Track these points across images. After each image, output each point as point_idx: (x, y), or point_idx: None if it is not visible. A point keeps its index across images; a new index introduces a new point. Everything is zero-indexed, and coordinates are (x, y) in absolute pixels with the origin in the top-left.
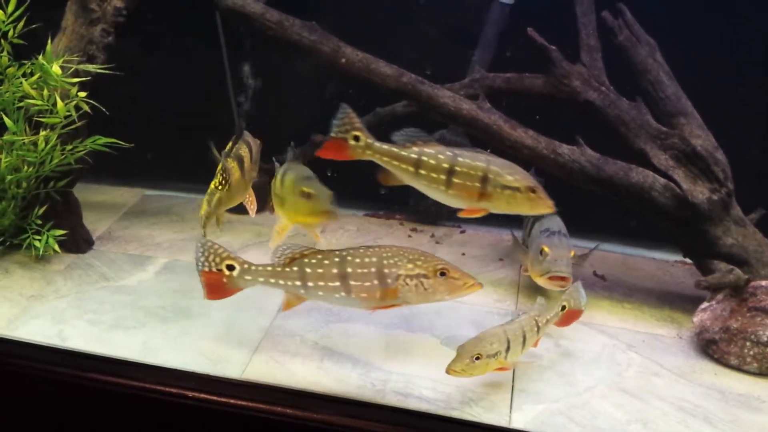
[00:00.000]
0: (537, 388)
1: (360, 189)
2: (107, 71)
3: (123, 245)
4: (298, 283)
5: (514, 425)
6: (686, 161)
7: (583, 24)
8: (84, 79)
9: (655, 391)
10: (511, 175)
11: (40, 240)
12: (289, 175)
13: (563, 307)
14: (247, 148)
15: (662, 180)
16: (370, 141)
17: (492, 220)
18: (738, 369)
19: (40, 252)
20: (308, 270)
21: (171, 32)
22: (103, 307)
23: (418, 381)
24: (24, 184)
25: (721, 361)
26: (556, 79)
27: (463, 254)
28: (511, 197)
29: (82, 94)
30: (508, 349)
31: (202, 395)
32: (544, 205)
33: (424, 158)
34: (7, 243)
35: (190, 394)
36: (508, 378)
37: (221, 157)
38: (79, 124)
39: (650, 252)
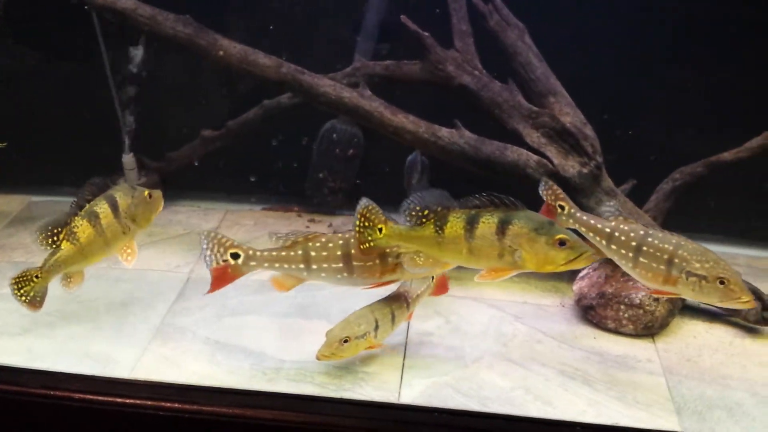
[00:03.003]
0: (426, 363)
1: (257, 183)
2: None
3: (8, 253)
4: (302, 266)
5: (403, 400)
6: (557, 138)
7: (455, 10)
8: None
9: (539, 358)
10: (700, 261)
11: None
12: (521, 221)
13: (432, 278)
14: (108, 202)
15: (535, 157)
16: (573, 210)
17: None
18: (615, 332)
19: None
20: (312, 253)
21: (52, 31)
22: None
23: (311, 366)
24: None
25: (600, 325)
26: (432, 65)
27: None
28: (698, 285)
29: None
30: (377, 327)
31: (89, 396)
32: (736, 299)
33: (616, 234)
34: None
35: (77, 395)
36: (400, 356)
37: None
38: None
39: None
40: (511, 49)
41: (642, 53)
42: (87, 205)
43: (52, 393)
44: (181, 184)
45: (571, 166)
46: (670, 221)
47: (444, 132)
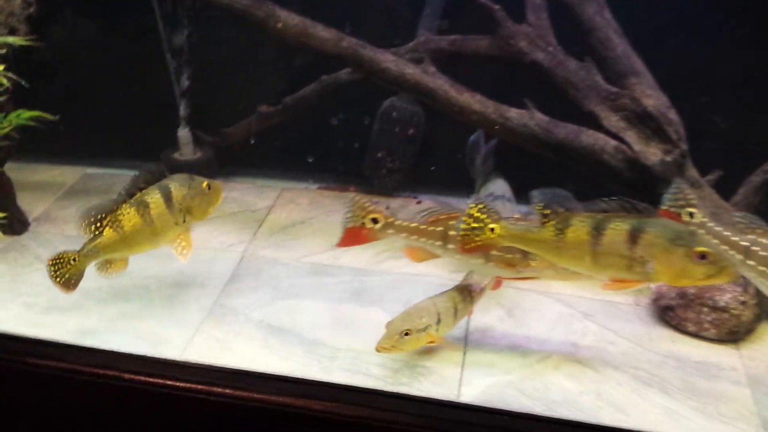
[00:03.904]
0: (488, 360)
1: (314, 161)
2: (30, 43)
3: (61, 226)
4: (439, 242)
5: (463, 399)
6: (638, 122)
7: None
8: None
9: (611, 360)
10: None
11: None
12: (656, 230)
13: None
14: (162, 192)
15: (613, 142)
16: (705, 219)
17: (451, 188)
18: (696, 335)
19: None
20: (452, 232)
21: (109, 3)
22: (38, 290)
23: (367, 357)
24: None
25: (679, 327)
26: (502, 40)
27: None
28: None
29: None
30: (439, 321)
31: (139, 377)
32: None
33: (754, 248)
34: None
35: (126, 375)
36: (460, 351)
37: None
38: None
39: None
40: (588, 24)
41: (723, 36)
42: (138, 194)
43: (101, 372)
44: (236, 160)
45: (652, 154)
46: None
47: (513, 113)
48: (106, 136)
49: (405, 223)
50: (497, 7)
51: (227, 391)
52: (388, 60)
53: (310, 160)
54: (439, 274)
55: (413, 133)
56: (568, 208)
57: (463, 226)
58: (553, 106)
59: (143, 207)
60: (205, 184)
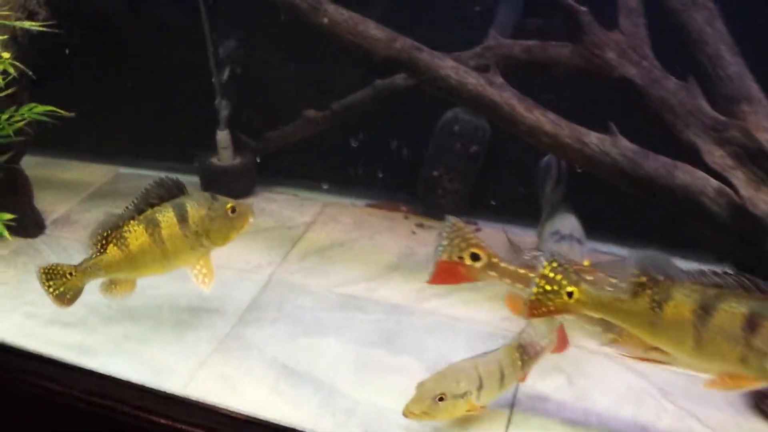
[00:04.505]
0: None
1: (362, 174)
2: (48, 29)
3: (79, 231)
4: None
5: None
6: (748, 161)
7: None
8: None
9: None
10: None
11: None
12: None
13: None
14: (176, 210)
15: (715, 183)
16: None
17: (514, 216)
18: None
19: None
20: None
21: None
22: (43, 300)
23: (391, 416)
24: None
25: None
26: (587, 49)
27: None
28: None
29: (6, 55)
30: (480, 387)
31: (137, 411)
32: None
33: None
34: None
35: (124, 408)
36: (501, 422)
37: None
38: (8, 91)
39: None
40: (695, 35)
41: None
42: (149, 210)
43: (96, 400)
44: (278, 168)
45: (764, 201)
46: None
47: (593, 138)
48: (142, 135)
49: (512, 268)
50: (583, 9)
51: None
52: (447, 66)
53: (357, 171)
54: (488, 320)
55: (476, 151)
56: (670, 277)
57: (535, 290)
58: (643, 133)
59: (153, 225)
60: (229, 206)
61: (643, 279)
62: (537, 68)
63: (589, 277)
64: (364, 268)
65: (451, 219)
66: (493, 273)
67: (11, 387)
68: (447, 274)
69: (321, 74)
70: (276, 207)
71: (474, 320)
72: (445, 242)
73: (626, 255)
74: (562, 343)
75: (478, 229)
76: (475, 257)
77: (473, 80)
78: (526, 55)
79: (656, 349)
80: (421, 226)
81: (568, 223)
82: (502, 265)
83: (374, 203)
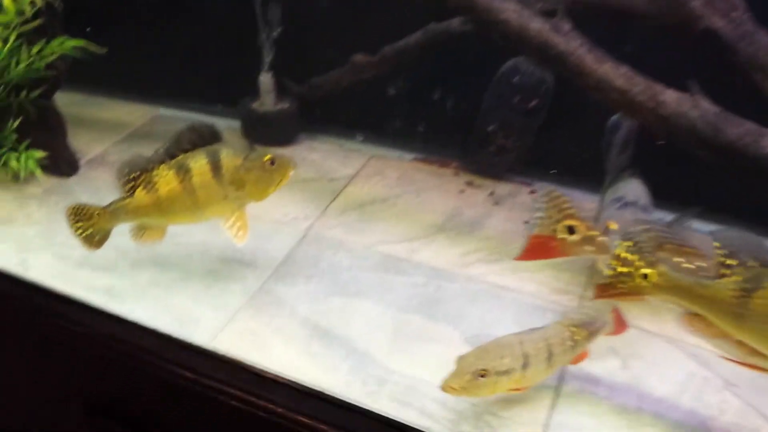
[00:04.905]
0: (582, 423)
1: (412, 126)
2: None
3: (112, 172)
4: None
5: None
6: None
7: None
8: None
9: None
10: None
11: (18, 159)
12: None
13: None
14: (209, 158)
15: None
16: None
17: (574, 178)
18: None
19: (22, 175)
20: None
21: None
22: (73, 241)
23: (425, 388)
24: None
25: None
26: None
27: (526, 222)
28: None
29: None
30: (525, 365)
31: (158, 361)
32: None
33: None
34: None
35: (145, 356)
36: (545, 404)
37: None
38: (35, 23)
39: None
40: None
41: None
42: (181, 155)
43: (119, 345)
44: (323, 116)
45: None
46: None
47: (670, 96)
48: (185, 75)
49: (615, 242)
50: None
51: (251, 398)
52: (509, 9)
53: (404, 123)
54: (537, 292)
55: (536, 106)
56: (762, 262)
57: (609, 272)
58: (729, 94)
59: (184, 171)
60: (267, 158)
61: (733, 261)
62: (610, 16)
63: (676, 258)
64: (407, 227)
65: (547, 188)
66: (589, 248)
67: (36, 326)
68: (540, 249)
69: (371, 16)
70: (318, 157)
71: (522, 291)
72: (541, 214)
73: (702, 231)
74: (619, 324)
75: (532, 191)
76: (570, 230)
77: (537, 26)
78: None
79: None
80: (470, 184)
81: (633, 188)
82: (600, 239)
83: (423, 158)
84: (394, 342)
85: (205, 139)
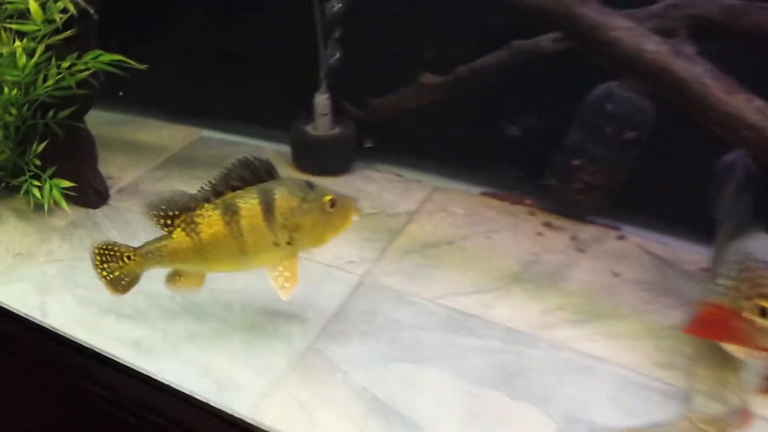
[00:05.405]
0: None
1: (479, 155)
2: None
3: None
4: None
5: None
6: None
7: None
8: None
9: None
10: None
11: (40, 186)
12: None
13: None
14: (262, 197)
15: None
16: None
17: (672, 224)
18: None
19: (46, 204)
20: None
21: None
22: (99, 284)
23: None
24: (13, 111)
25: None
26: None
27: (617, 275)
28: None
29: None
30: None
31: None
32: None
33: None
34: (2, 184)
35: (173, 427)
36: None
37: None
38: (67, 34)
39: None
40: None
41: None
42: (229, 194)
43: (147, 411)
44: (384, 141)
45: None
46: None
47: None
48: (230, 95)
49: None
50: None
51: None
52: (620, 27)
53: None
54: (640, 364)
55: (633, 138)
56: None
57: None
58: None
59: (231, 212)
60: (327, 198)
61: None
62: (737, 37)
63: None
64: (478, 275)
65: (744, 250)
66: None
67: (52, 380)
68: (714, 325)
69: (443, 31)
70: (375, 189)
71: (620, 363)
72: (726, 281)
73: None
74: (744, 415)
75: (621, 237)
76: (764, 312)
77: (654, 47)
78: (724, 17)
79: None
80: (549, 225)
81: (764, 244)
82: None
83: (492, 192)
84: (468, 425)
85: (258, 176)
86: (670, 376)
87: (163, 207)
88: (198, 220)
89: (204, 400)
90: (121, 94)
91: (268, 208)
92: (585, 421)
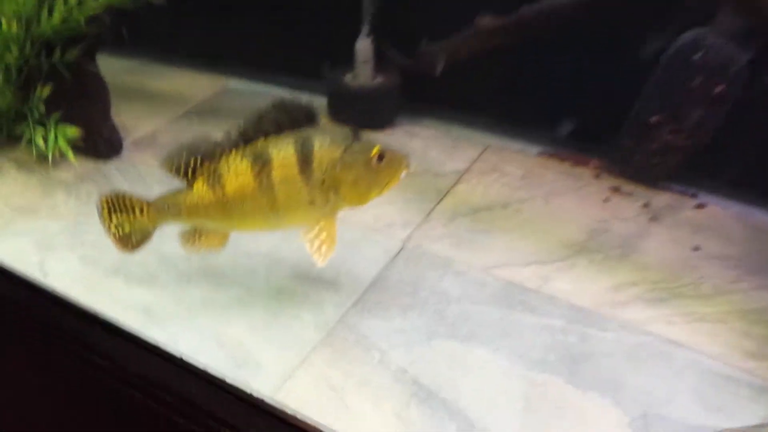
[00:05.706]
0: None
1: (537, 111)
2: None
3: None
4: None
5: None
6: None
7: None
8: None
9: None
10: None
11: (45, 135)
12: None
13: None
14: (299, 146)
15: None
16: None
17: (757, 192)
18: None
19: (50, 154)
20: None
21: None
22: (106, 242)
23: None
24: (13, 49)
25: None
26: None
27: (696, 249)
28: None
29: None
30: None
31: (206, 418)
32: None
33: None
34: (4, 132)
35: (186, 407)
36: None
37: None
38: None
39: None
40: None
41: None
42: (261, 140)
43: (154, 388)
44: (431, 93)
45: None
46: None
47: None
48: (260, 40)
49: None
50: None
51: None
52: None
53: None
54: (725, 353)
55: (723, 93)
56: None
57: None
58: None
59: (262, 162)
60: (375, 151)
61: None
62: None
63: None
64: (536, 243)
65: None
66: None
67: (50, 347)
68: None
69: None
70: (420, 145)
71: (703, 350)
72: None
73: None
74: None
75: (700, 205)
76: None
77: None
78: None
79: None
80: (617, 190)
81: None
82: None
83: (553, 152)
84: (525, 416)
85: (296, 121)
86: (762, 368)
87: (183, 154)
88: (223, 170)
89: (219, 377)
90: (124, 31)
91: (305, 159)
92: (663, 416)
